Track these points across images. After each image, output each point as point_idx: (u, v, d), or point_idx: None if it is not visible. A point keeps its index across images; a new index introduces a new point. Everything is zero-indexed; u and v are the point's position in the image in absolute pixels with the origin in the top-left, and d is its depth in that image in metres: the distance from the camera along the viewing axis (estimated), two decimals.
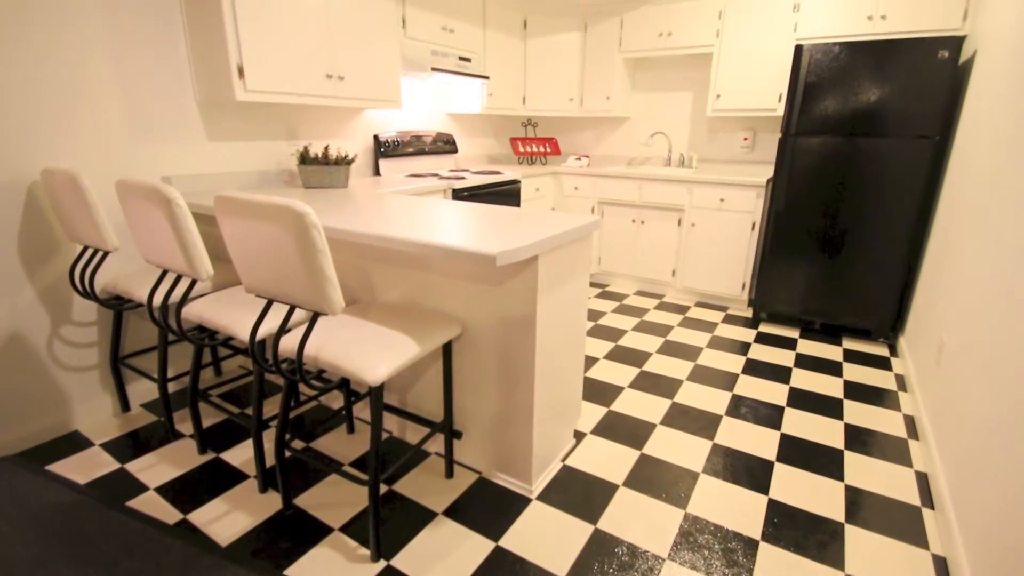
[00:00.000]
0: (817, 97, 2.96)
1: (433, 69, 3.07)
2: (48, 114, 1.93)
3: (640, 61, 4.22)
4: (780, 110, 3.43)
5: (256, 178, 2.67)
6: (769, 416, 2.32)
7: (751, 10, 3.40)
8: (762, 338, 3.20)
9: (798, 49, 2.95)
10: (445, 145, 3.74)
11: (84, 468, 1.90)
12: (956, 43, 2.61)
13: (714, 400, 2.45)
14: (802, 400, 2.47)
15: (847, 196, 3.00)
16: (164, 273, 1.76)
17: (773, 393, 2.52)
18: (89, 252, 2.11)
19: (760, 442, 2.13)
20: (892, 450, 2.08)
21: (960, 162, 2.48)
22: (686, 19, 3.64)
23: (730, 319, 3.51)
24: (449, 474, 1.89)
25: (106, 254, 1.94)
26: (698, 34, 3.62)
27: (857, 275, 3.07)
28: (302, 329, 1.57)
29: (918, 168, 2.80)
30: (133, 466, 1.92)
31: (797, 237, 3.19)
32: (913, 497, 1.82)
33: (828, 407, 2.41)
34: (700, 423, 2.26)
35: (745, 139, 3.90)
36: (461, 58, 3.37)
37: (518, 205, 3.69)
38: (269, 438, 2.09)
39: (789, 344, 3.11)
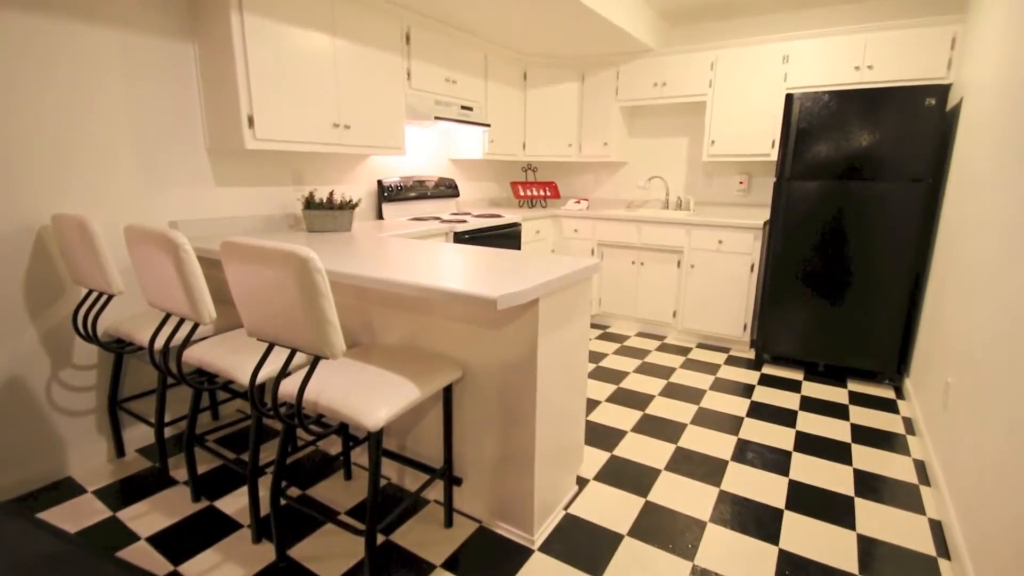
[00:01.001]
0: (809, 143, 3.05)
1: (436, 118, 3.18)
2: (62, 161, 1.99)
3: (636, 109, 4.37)
4: (774, 155, 3.52)
5: (262, 222, 2.72)
6: (776, 461, 2.27)
7: (742, 61, 3.54)
8: (766, 380, 3.16)
9: (788, 98, 3.06)
10: (447, 189, 3.82)
11: (75, 516, 1.86)
12: (942, 91, 2.71)
13: (719, 444, 2.40)
14: (809, 444, 2.42)
15: (844, 238, 3.04)
16: (167, 316, 1.77)
17: (779, 437, 2.48)
18: (93, 295, 2.13)
19: (768, 489, 2.07)
20: (904, 497, 2.03)
21: (954, 204, 2.53)
22: (679, 70, 3.78)
23: (732, 361, 3.48)
24: (448, 523, 1.84)
25: (110, 297, 1.96)
26: (691, 84, 3.75)
27: (859, 317, 3.07)
28: (302, 373, 1.57)
29: (913, 210, 2.85)
30: (125, 514, 1.87)
31: (796, 279, 3.21)
32: (928, 547, 1.75)
33: (836, 452, 2.36)
34: (706, 469, 2.21)
35: (741, 183, 3.98)
36: (463, 107, 3.49)
37: (519, 247, 3.74)
38: (264, 485, 2.05)
39: (793, 386, 3.08)
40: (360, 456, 2.21)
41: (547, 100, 4.23)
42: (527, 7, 2.95)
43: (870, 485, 2.10)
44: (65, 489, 2.01)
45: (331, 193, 2.74)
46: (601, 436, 2.46)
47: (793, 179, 3.12)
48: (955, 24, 2.93)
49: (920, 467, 2.24)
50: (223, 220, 2.54)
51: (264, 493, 1.99)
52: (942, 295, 2.45)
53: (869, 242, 2.98)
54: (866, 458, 2.31)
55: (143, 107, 2.20)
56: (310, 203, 2.68)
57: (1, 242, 1.87)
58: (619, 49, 3.89)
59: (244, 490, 2.03)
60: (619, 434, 2.48)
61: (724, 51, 3.59)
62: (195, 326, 1.70)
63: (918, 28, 3.01)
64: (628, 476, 2.14)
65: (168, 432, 2.42)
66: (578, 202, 4.42)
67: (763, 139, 3.55)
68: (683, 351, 3.66)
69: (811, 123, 3.02)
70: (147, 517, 1.86)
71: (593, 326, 4.23)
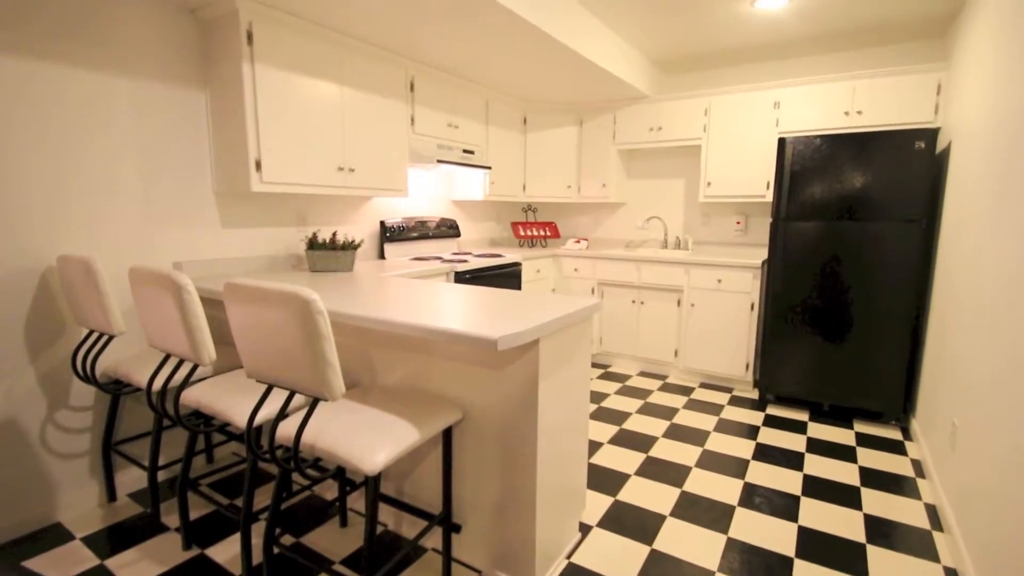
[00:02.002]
0: (803, 185, 3.11)
1: (439, 161, 3.26)
2: (71, 203, 2.03)
3: (633, 152, 4.47)
4: (769, 196, 3.58)
5: (265, 263, 2.75)
6: (785, 506, 2.21)
7: (734, 107, 3.66)
8: (770, 421, 3.12)
9: (781, 142, 3.14)
10: (448, 230, 3.87)
11: (62, 564, 1.79)
12: (931, 134, 2.78)
13: (725, 489, 2.34)
14: (818, 488, 2.36)
15: (843, 277, 3.06)
16: (167, 357, 1.76)
17: (787, 481, 2.42)
18: (94, 336, 2.13)
19: (777, 536, 2.01)
20: (917, 543, 1.96)
21: (949, 245, 2.56)
22: (675, 115, 3.90)
23: (736, 401, 3.44)
24: (447, 573, 1.77)
25: (111, 338, 1.96)
26: (687, 128, 3.86)
27: (861, 356, 3.05)
28: (300, 415, 1.55)
29: (909, 250, 2.88)
30: (113, 562, 1.81)
31: (797, 318, 3.21)
32: None
33: (845, 496, 2.30)
34: (712, 514, 2.15)
35: (738, 223, 4.03)
36: (465, 151, 3.58)
37: (519, 287, 3.76)
38: (258, 532, 1.99)
39: (799, 427, 3.03)
40: (356, 501, 2.15)
41: (547, 143, 4.35)
42: (527, 58, 3.07)
43: (881, 531, 2.04)
44: (54, 535, 1.95)
45: (334, 234, 2.78)
46: (604, 480, 2.41)
47: (789, 220, 3.17)
48: (940, 72, 3.04)
49: (932, 511, 2.18)
50: (227, 261, 2.56)
51: (257, 540, 1.93)
52: (943, 335, 2.45)
53: (868, 282, 3.00)
54: (876, 502, 2.25)
55: (153, 152, 2.27)
56: (313, 244, 2.71)
57: (5, 282, 1.89)
58: (616, 96, 4.03)
59: (236, 537, 1.97)
60: (622, 477, 2.43)
61: (717, 98, 3.71)
62: (194, 367, 1.69)
63: (904, 75, 3.12)
64: (632, 522, 2.08)
65: (161, 476, 2.37)
66: (578, 242, 4.47)
67: (758, 181, 3.62)
68: (685, 391, 3.62)
69: (804, 166, 3.09)
70: (136, 566, 1.80)
71: (594, 365, 4.20)
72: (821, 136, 3.03)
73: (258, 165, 2.33)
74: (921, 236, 2.84)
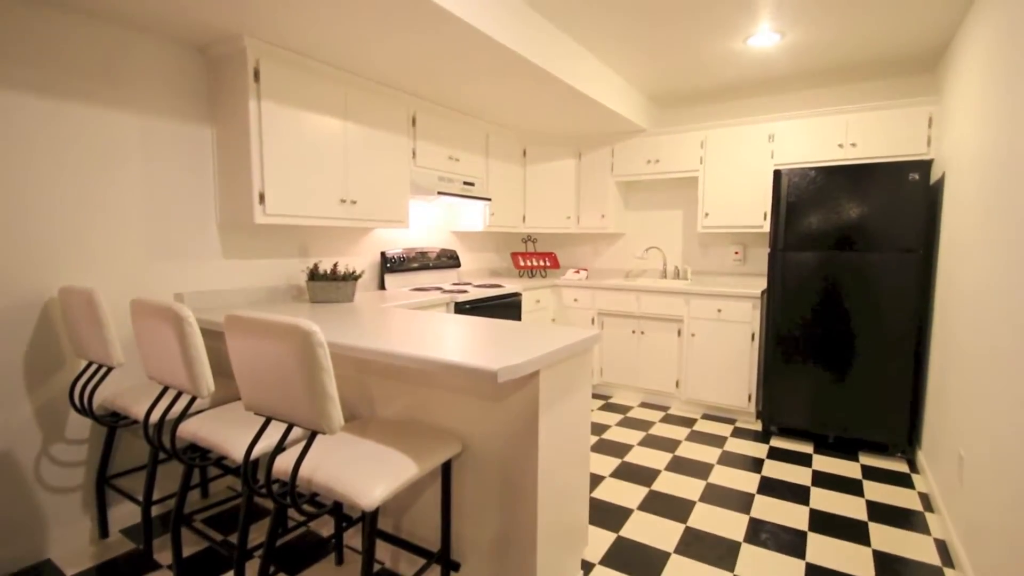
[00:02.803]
0: (800, 216, 3.14)
1: (439, 193, 3.30)
2: (75, 235, 2.05)
3: (631, 183, 4.54)
4: (767, 227, 3.62)
5: (266, 293, 2.76)
6: (792, 543, 2.16)
7: (730, 140, 3.73)
8: (775, 453, 3.07)
9: (777, 173, 3.19)
10: (449, 260, 3.90)
11: None
12: (925, 166, 2.83)
13: (730, 524, 2.29)
14: (825, 523, 2.31)
15: (843, 308, 3.06)
16: (165, 389, 1.75)
17: (793, 516, 2.37)
18: (92, 368, 2.12)
19: (784, 574, 1.95)
20: None
21: (946, 274, 2.57)
22: (671, 148, 3.98)
23: (739, 432, 3.39)
24: None
25: (109, 370, 1.95)
26: (683, 160, 3.93)
27: (864, 387, 3.03)
28: (297, 449, 1.53)
29: (907, 280, 2.89)
30: None
31: (798, 348, 3.20)
32: None
33: (853, 531, 2.25)
34: (718, 551, 2.09)
35: (736, 253, 4.06)
36: (465, 183, 3.64)
37: (519, 317, 3.76)
38: (252, 569, 1.94)
39: (804, 460, 2.98)
40: (353, 538, 2.10)
41: (546, 175, 4.42)
42: (527, 94, 3.15)
43: (892, 568, 1.99)
44: (44, 573, 1.90)
45: (335, 265, 2.80)
46: (606, 515, 2.36)
47: (787, 250, 3.19)
48: (931, 105, 3.11)
49: (942, 547, 2.12)
50: (228, 292, 2.57)
51: None
52: (945, 364, 2.44)
53: (868, 312, 3.00)
54: (885, 538, 2.19)
55: (159, 186, 2.30)
56: (314, 275, 2.73)
57: (7, 313, 1.90)
58: (613, 129, 4.11)
59: (230, 575, 1.92)
60: (625, 512, 2.38)
61: (712, 131, 3.79)
62: (192, 399, 1.68)
63: (896, 109, 3.19)
64: (636, 560, 2.03)
65: (155, 511, 2.33)
66: (577, 272, 4.49)
67: (755, 211, 3.66)
68: (688, 422, 3.58)
69: (800, 197, 3.13)
70: None
71: (594, 397, 4.16)
72: (816, 168, 3.08)
73: (262, 198, 2.37)
74: (919, 265, 2.86)
